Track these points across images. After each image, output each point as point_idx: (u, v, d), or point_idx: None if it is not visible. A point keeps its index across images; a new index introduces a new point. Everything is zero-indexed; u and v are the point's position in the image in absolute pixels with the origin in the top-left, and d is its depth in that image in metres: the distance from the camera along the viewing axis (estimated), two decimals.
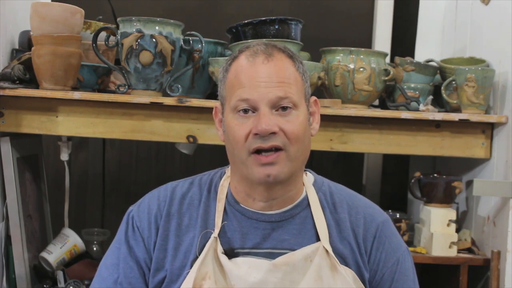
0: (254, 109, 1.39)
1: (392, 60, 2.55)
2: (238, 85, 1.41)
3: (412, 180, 2.40)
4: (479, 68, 2.24)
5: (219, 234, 1.44)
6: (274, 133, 1.37)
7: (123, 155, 2.92)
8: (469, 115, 2.22)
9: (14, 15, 2.30)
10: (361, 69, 2.24)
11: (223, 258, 1.42)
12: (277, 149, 1.38)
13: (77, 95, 2.09)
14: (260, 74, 1.39)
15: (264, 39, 2.11)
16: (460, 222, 2.45)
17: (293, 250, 1.42)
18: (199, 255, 1.42)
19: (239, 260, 1.42)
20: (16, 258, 2.16)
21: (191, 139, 2.17)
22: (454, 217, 2.30)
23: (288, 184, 1.44)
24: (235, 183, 1.48)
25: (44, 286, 2.24)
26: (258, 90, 1.38)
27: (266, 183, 1.40)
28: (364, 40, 2.95)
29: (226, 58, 2.16)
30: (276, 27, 2.19)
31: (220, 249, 1.42)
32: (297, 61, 1.45)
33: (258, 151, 1.38)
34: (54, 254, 2.29)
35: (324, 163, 2.93)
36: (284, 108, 1.39)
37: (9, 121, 2.13)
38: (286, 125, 1.38)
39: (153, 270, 1.47)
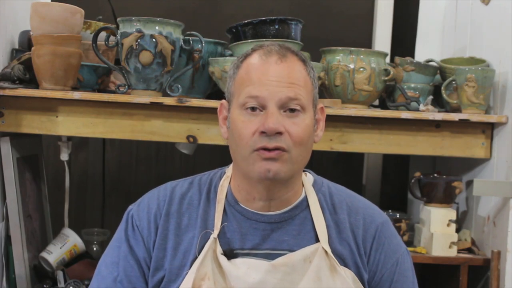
0: (262, 107, 1.39)
1: (392, 60, 2.55)
2: (248, 81, 1.40)
3: (412, 180, 2.40)
4: (479, 68, 2.24)
5: (218, 235, 1.44)
6: (280, 133, 1.37)
7: (123, 155, 2.92)
8: (469, 115, 2.22)
9: (14, 15, 2.30)
10: (361, 69, 2.24)
11: (222, 259, 1.41)
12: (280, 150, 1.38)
13: (77, 95, 2.09)
14: (272, 73, 1.39)
15: (264, 39, 2.11)
16: (460, 222, 2.45)
17: (293, 251, 1.42)
18: (198, 255, 1.43)
19: (238, 261, 1.42)
20: (16, 258, 2.16)
21: (191, 139, 2.17)
22: (454, 217, 2.30)
23: (287, 186, 1.44)
24: (238, 181, 1.48)
25: (44, 286, 2.24)
26: (268, 88, 1.38)
27: (266, 179, 1.39)
28: (364, 40, 2.95)
29: (227, 57, 2.17)
30: (276, 27, 2.19)
31: (219, 250, 1.42)
32: (308, 66, 1.45)
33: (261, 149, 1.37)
34: (54, 254, 2.29)
35: (324, 163, 2.93)
36: (292, 110, 1.39)
37: (9, 121, 2.13)
38: (292, 127, 1.38)
39: (152, 269, 1.47)
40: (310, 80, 1.44)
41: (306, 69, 1.44)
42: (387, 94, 2.41)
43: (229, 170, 1.52)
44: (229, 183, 1.50)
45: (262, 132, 1.36)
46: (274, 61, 1.40)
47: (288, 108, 1.39)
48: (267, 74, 1.39)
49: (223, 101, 1.50)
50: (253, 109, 1.39)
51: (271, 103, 1.38)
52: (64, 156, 2.39)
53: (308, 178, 1.54)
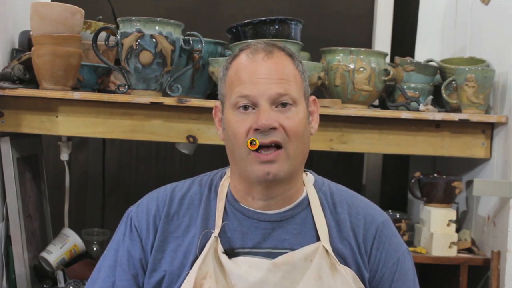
0: (254, 105, 1.39)
1: (392, 60, 2.55)
2: (238, 81, 1.41)
3: (412, 180, 2.40)
4: (479, 68, 2.24)
5: (219, 234, 1.44)
6: (274, 128, 1.38)
7: (123, 155, 2.92)
8: (469, 115, 2.22)
9: (14, 15, 2.30)
10: (361, 69, 2.24)
11: (224, 258, 1.42)
12: (277, 146, 1.38)
13: (77, 95, 2.09)
14: (260, 71, 1.40)
15: (263, 39, 2.11)
16: (460, 222, 2.45)
17: (293, 249, 1.42)
18: (199, 254, 1.43)
19: (239, 259, 1.42)
20: (16, 258, 2.16)
21: (191, 139, 2.17)
22: (454, 217, 2.30)
23: (288, 183, 1.45)
24: (235, 182, 1.48)
25: (44, 286, 2.24)
26: (258, 86, 1.39)
27: (266, 181, 1.40)
28: (364, 40, 2.95)
29: (227, 57, 2.17)
30: (276, 27, 2.19)
31: (220, 248, 1.42)
32: (296, 59, 1.46)
33: (258, 148, 1.38)
34: (54, 254, 2.29)
35: (324, 163, 2.93)
36: (284, 105, 1.40)
37: (9, 121, 2.13)
38: (285, 121, 1.39)
39: (149, 270, 1.47)
40: (299, 73, 1.45)
41: (294, 63, 1.45)
42: (387, 94, 2.41)
43: (229, 170, 1.53)
44: (229, 182, 1.50)
45: (256, 130, 1.37)
46: (261, 58, 1.42)
47: (280, 103, 1.40)
48: (255, 72, 1.40)
49: (217, 103, 1.51)
50: (245, 108, 1.40)
51: (262, 100, 1.39)
52: (64, 156, 2.39)
53: (309, 177, 1.54)
